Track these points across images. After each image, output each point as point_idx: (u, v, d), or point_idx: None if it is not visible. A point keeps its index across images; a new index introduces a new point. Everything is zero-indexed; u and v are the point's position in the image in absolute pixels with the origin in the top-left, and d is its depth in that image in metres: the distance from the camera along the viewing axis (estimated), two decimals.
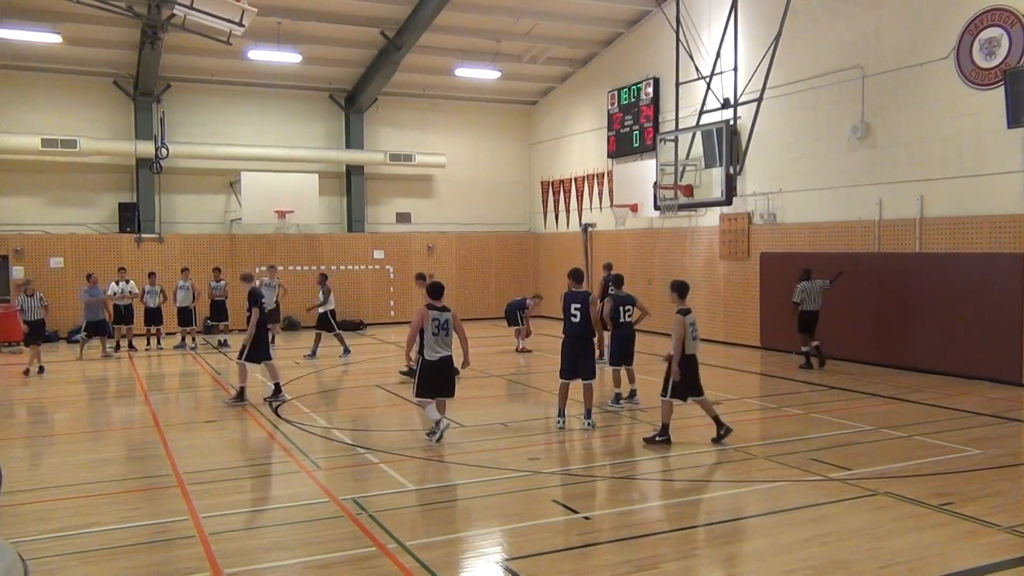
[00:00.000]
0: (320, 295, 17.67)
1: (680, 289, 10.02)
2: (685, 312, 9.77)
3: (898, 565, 5.98)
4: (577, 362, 10.50)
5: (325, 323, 17.70)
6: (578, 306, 10.49)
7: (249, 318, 12.39)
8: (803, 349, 15.65)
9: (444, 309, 9.85)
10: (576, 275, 10.85)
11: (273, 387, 12.61)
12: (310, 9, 20.25)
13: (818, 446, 9.55)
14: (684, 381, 9.64)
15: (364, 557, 6.25)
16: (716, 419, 9.74)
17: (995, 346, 13.58)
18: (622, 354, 12.01)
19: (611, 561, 6.11)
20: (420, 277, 14.73)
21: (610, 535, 6.72)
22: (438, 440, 9.73)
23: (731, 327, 19.36)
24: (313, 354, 17.39)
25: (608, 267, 16.59)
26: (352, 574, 5.97)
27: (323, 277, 18.13)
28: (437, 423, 9.80)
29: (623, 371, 12.13)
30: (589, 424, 10.57)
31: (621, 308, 11.95)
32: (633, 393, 12.12)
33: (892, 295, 15.26)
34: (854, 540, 6.48)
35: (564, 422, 10.63)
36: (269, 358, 12.65)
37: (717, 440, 9.67)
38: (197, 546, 6.49)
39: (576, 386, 10.65)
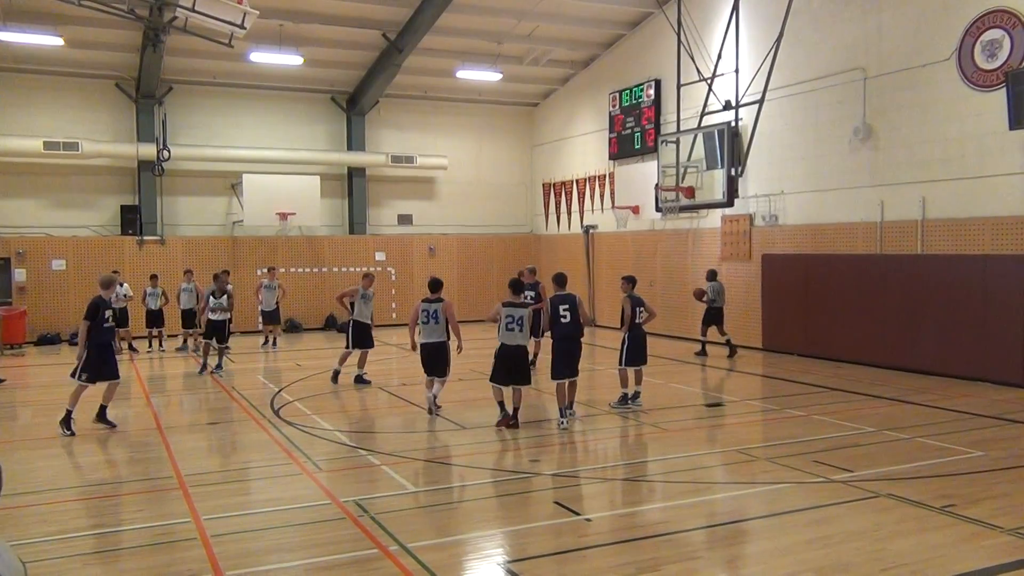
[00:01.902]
0: (225, 301, 15.89)
1: (514, 286, 11.10)
2: (505, 304, 10.77)
3: (900, 567, 5.97)
4: (568, 361, 11.00)
5: (221, 331, 15.93)
6: (566, 307, 10.98)
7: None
8: (703, 339, 17.71)
9: (436, 300, 11.42)
10: (559, 279, 11.44)
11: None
12: (311, 11, 20.28)
13: (820, 448, 9.54)
14: (500, 367, 10.63)
15: (366, 559, 6.25)
16: (501, 404, 10.74)
17: (997, 348, 13.56)
18: (637, 355, 12.05)
19: (612, 563, 6.11)
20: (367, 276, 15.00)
21: (611, 537, 6.72)
22: (430, 413, 11.47)
23: (733, 329, 19.27)
24: (219, 367, 16.03)
25: (532, 271, 16.02)
26: None
27: (225, 273, 17.15)
28: (430, 399, 11.57)
29: (631, 372, 12.13)
30: (571, 414, 11.18)
31: (636, 309, 12.02)
32: (637, 394, 12.11)
33: (894, 297, 15.24)
34: (856, 542, 6.47)
35: (567, 422, 10.81)
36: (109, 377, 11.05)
37: (498, 423, 10.69)
38: (199, 548, 6.49)
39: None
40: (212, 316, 15.78)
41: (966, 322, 14.04)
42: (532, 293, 17.79)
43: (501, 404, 10.75)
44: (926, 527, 6.81)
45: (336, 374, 14.55)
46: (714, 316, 17.50)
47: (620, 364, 12.09)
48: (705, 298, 17.55)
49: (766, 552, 6.42)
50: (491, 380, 10.85)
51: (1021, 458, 9.47)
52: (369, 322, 14.54)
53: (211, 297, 15.86)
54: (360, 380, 14.36)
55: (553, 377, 10.97)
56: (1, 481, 2.85)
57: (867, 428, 10.52)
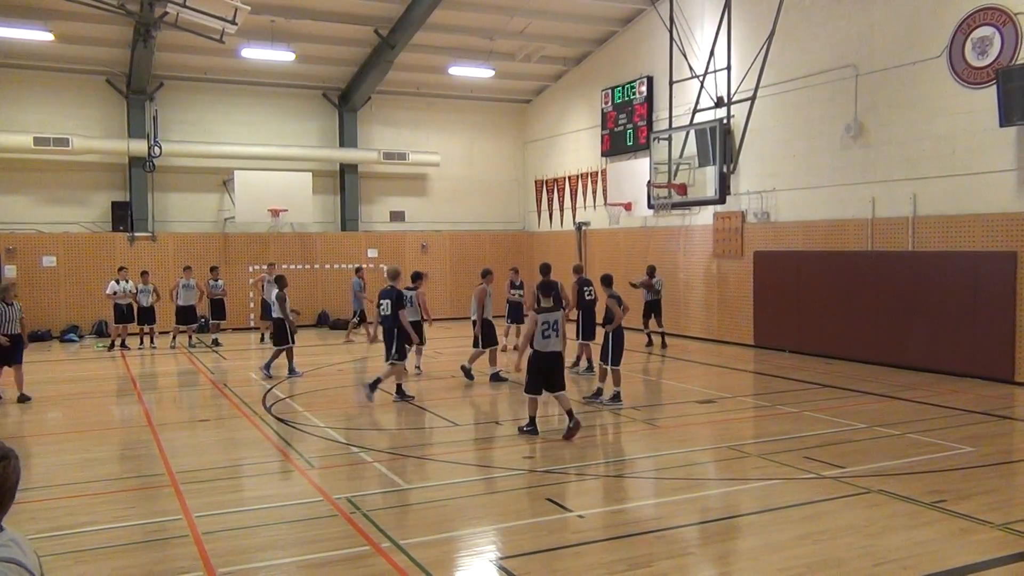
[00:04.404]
0: (276, 300, 15.11)
1: (544, 288, 10.25)
2: (539, 311, 9.97)
3: (891, 563, 6.00)
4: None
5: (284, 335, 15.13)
6: (590, 288, 13.36)
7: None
8: (650, 331, 18.85)
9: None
10: (578, 268, 14.31)
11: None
12: (303, 7, 20.20)
13: (811, 444, 9.57)
14: (539, 377, 9.92)
15: (358, 556, 6.24)
16: (569, 412, 9.99)
17: (987, 344, 13.62)
18: (621, 353, 12.05)
19: (605, 559, 6.11)
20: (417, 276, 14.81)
21: (604, 533, 6.72)
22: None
23: (725, 325, 19.39)
24: (293, 369, 15.21)
25: (516, 271, 17.31)
26: (346, 573, 5.96)
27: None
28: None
29: (611, 371, 12.08)
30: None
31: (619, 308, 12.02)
32: (617, 395, 12.06)
33: (885, 293, 15.30)
34: (847, 538, 6.50)
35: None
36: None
37: (567, 435, 9.85)
38: (191, 545, 6.48)
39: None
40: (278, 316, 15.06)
41: (956, 318, 14.10)
42: (520, 292, 18.03)
43: (533, 419, 10.08)
44: (917, 522, 6.84)
45: (467, 371, 14.18)
46: (656, 308, 18.78)
47: (608, 363, 11.98)
48: (652, 290, 18.72)
49: (758, 548, 6.44)
50: (528, 391, 10.07)
51: (1011, 454, 9.53)
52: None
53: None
54: (497, 378, 13.96)
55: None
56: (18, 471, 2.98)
57: (858, 424, 10.56)
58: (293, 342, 15.20)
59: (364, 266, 22.53)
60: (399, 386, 12.69)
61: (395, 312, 12.29)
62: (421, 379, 14.42)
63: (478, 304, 14.15)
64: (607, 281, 12.47)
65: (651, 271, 18.99)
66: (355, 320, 20.68)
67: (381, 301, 12.54)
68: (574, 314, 14.07)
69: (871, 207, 15.70)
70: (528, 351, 10.15)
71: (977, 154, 13.87)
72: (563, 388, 10.12)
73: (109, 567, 6.13)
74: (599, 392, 12.20)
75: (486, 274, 14.72)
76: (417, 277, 14.65)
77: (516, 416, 11.70)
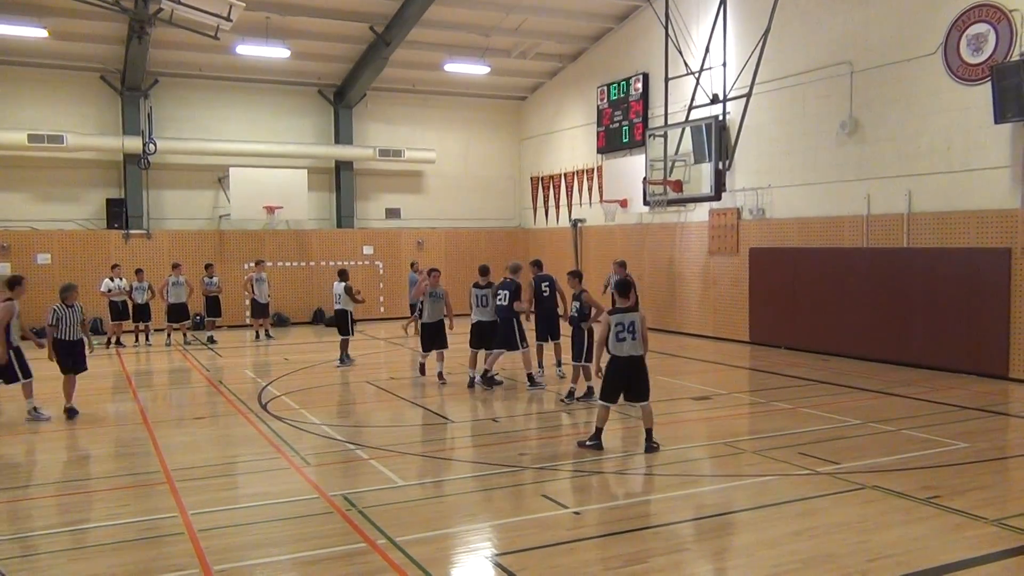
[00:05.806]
0: (344, 291, 15.96)
1: (621, 288, 9.30)
2: (612, 312, 9.18)
3: (886, 558, 6.02)
4: (549, 328, 13.61)
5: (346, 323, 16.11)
6: (547, 284, 13.62)
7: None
8: None
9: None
10: (538, 264, 14.24)
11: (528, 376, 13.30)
12: (298, 4, 20.16)
13: (806, 440, 9.58)
14: (616, 382, 9.13)
15: (354, 553, 6.24)
16: (648, 432, 9.28)
17: (982, 340, 13.66)
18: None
19: (601, 556, 6.13)
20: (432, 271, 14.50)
21: (600, 530, 6.73)
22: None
23: (720, 322, 19.41)
24: (343, 359, 16.08)
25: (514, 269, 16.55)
26: (342, 570, 5.97)
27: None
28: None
29: (583, 367, 12.06)
30: (560, 373, 13.85)
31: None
32: (590, 391, 12.03)
33: (880, 290, 15.33)
34: (842, 533, 6.52)
35: (544, 372, 13.75)
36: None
37: (647, 451, 9.18)
38: (186, 543, 6.47)
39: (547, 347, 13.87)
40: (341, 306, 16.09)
41: (951, 315, 14.13)
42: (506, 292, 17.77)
43: (600, 431, 9.31)
44: (911, 518, 6.86)
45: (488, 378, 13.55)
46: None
47: (582, 360, 11.95)
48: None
49: (753, 544, 6.46)
50: (602, 398, 9.30)
51: (1005, 450, 9.56)
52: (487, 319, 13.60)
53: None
54: (492, 381, 13.33)
55: (537, 339, 13.66)
56: None
57: (853, 420, 10.59)
58: (352, 333, 16.22)
59: (417, 260, 22.41)
60: (530, 375, 13.28)
61: (511, 303, 13.10)
62: (418, 377, 14.39)
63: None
64: (580, 277, 12.57)
65: (622, 266, 18.72)
66: (417, 315, 20.70)
67: (499, 292, 13.25)
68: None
69: (866, 204, 15.72)
70: (603, 356, 9.37)
71: (972, 151, 13.90)
72: (646, 399, 9.19)
73: (104, 564, 6.12)
74: (572, 392, 12.13)
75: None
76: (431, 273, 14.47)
77: (512, 412, 11.72)
